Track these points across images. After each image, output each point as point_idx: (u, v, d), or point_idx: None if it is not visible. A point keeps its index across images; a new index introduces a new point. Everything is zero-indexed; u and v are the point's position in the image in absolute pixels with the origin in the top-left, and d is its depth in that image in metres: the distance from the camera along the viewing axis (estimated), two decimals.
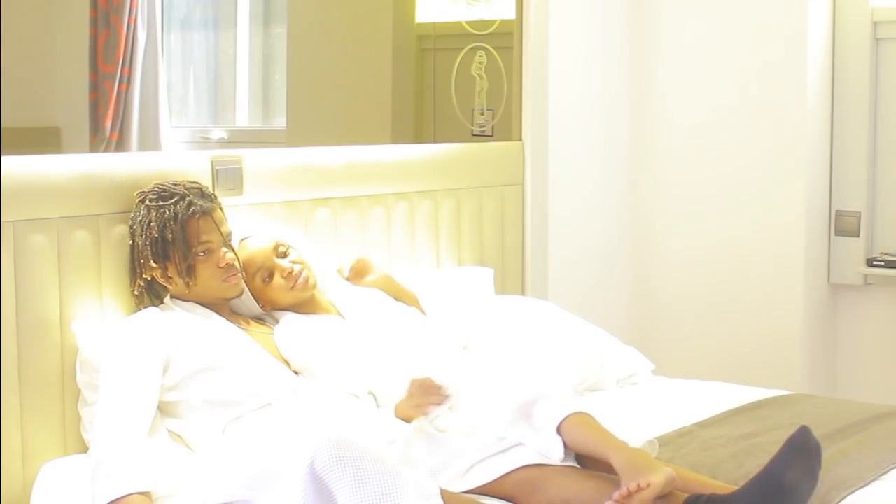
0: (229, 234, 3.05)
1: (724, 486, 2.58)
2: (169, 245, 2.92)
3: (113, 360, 2.78)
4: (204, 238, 2.96)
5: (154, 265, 2.94)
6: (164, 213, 2.93)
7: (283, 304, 3.19)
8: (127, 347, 2.80)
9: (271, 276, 3.16)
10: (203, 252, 2.96)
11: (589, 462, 2.67)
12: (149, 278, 2.97)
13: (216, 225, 2.99)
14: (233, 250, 3.05)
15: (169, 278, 2.97)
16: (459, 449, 2.72)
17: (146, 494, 2.59)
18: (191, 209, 2.94)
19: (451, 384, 2.86)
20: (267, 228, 3.30)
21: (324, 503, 2.35)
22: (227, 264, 2.99)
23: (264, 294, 3.17)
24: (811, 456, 2.44)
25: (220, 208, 3.04)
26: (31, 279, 2.88)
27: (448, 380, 2.88)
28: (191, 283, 2.95)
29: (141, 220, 2.96)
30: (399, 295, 3.49)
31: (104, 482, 2.57)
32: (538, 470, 2.61)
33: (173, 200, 2.95)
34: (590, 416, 2.71)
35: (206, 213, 2.97)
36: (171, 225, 2.92)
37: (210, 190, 3.08)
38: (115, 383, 2.74)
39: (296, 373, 3.04)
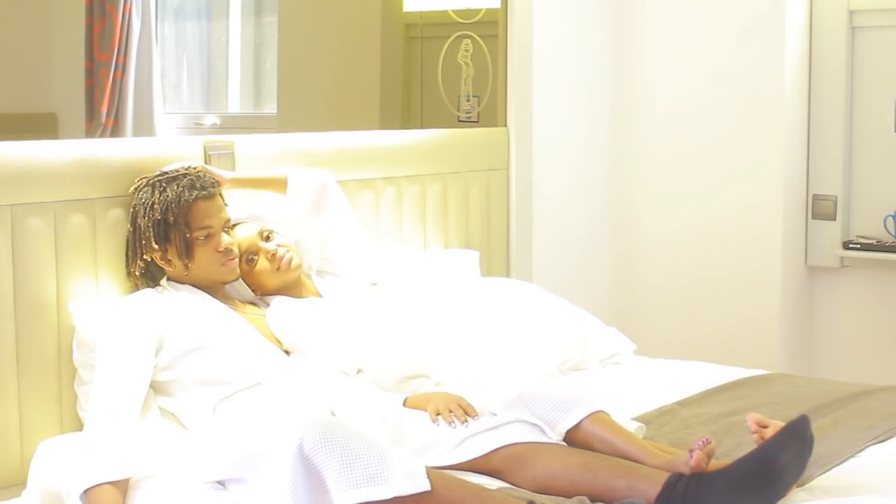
0: (228, 220, 3.08)
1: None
2: (170, 227, 2.95)
3: (108, 341, 2.80)
4: (206, 222, 2.99)
5: (155, 247, 2.96)
6: (167, 195, 2.96)
7: (271, 287, 3.21)
8: (121, 329, 2.82)
9: (256, 258, 3.19)
10: (204, 236, 2.99)
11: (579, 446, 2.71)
12: (149, 259, 3.00)
13: (217, 210, 3.02)
14: (231, 236, 3.08)
15: (168, 260, 2.99)
16: (449, 425, 2.77)
17: (120, 483, 2.59)
18: (193, 193, 2.97)
19: (483, 407, 2.85)
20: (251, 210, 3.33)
21: (312, 484, 2.35)
22: (225, 248, 3.01)
23: (251, 277, 3.19)
24: (805, 445, 2.46)
25: (221, 195, 3.07)
26: (29, 261, 2.89)
27: (481, 405, 2.86)
28: (190, 266, 2.98)
29: (144, 202, 2.98)
30: (262, 185, 3.38)
31: (83, 470, 2.59)
32: (526, 446, 2.65)
33: (176, 184, 2.98)
34: (606, 413, 2.75)
35: (208, 198, 3.00)
36: (173, 208, 2.95)
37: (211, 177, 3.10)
38: (109, 366, 2.76)
39: (287, 353, 3.06)
